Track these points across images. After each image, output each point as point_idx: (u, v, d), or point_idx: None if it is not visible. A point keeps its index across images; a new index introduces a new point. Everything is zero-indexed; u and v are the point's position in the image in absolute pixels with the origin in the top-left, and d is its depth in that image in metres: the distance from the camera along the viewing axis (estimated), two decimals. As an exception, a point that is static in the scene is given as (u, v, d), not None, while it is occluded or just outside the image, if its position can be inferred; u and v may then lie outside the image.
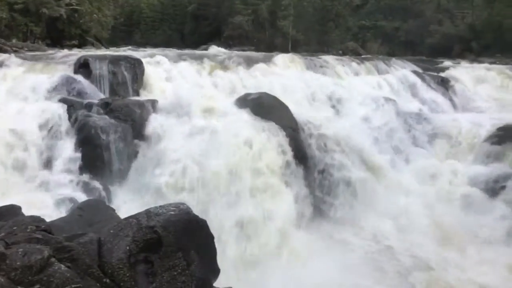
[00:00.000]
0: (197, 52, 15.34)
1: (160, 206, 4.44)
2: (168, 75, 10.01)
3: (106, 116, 7.91)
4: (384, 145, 9.90)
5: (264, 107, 8.62)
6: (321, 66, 13.30)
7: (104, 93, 9.00)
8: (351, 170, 8.50)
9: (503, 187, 8.70)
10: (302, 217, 7.74)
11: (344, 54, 18.09)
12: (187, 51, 15.19)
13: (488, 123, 10.68)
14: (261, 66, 12.17)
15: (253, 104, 8.66)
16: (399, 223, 8.13)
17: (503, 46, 19.27)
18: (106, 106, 8.17)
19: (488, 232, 8.03)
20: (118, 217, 4.97)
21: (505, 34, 19.56)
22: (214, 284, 4.57)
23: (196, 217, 4.47)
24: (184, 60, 11.15)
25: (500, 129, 10.07)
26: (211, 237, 4.57)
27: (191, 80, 10.02)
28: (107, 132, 7.51)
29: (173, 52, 13.94)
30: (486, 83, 13.87)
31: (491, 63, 16.53)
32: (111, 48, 16.71)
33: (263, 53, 14.50)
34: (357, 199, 8.39)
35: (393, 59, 15.53)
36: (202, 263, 4.15)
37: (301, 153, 8.40)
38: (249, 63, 12.16)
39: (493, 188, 8.92)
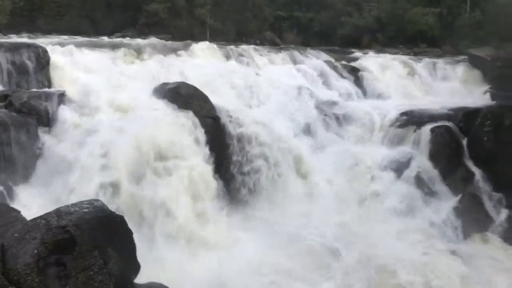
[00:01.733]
0: (110, 40, 14.56)
1: (72, 204, 4.19)
2: (77, 64, 9.35)
3: (5, 110, 7.26)
4: (300, 132, 10.32)
5: (182, 96, 8.49)
6: (240, 55, 13.40)
7: (3, 85, 8.20)
8: (269, 157, 8.76)
9: (406, 167, 9.58)
10: (222, 203, 7.81)
11: (261, 44, 18.34)
12: (98, 39, 14.34)
13: (393, 109, 11.61)
14: (179, 54, 11.93)
15: (170, 94, 8.48)
16: (314, 206, 8.62)
17: (405, 37, 21.01)
18: (4, 99, 7.50)
19: (394, 206, 8.80)
20: (23, 219, 4.63)
21: (407, 26, 21.31)
22: (135, 280, 4.45)
23: (112, 213, 4.30)
24: (95, 48, 10.52)
25: (403, 113, 10.99)
26: (129, 233, 4.44)
27: (103, 70, 9.49)
28: (6, 127, 6.88)
29: (82, 40, 13.08)
30: (391, 72, 15.00)
31: (395, 53, 17.90)
32: (10, 35, 15.15)
33: (181, 42, 14.17)
34: (276, 185, 8.68)
35: (308, 49, 16.10)
36: (121, 260, 4.03)
37: (220, 142, 8.44)
38: (166, 51, 11.84)
39: (398, 168, 9.77)
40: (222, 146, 8.47)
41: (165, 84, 8.93)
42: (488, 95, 12.54)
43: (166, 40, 15.64)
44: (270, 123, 9.44)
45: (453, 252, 7.50)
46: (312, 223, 8.12)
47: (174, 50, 12.07)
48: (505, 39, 16.42)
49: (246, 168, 8.62)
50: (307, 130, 10.53)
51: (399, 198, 9.08)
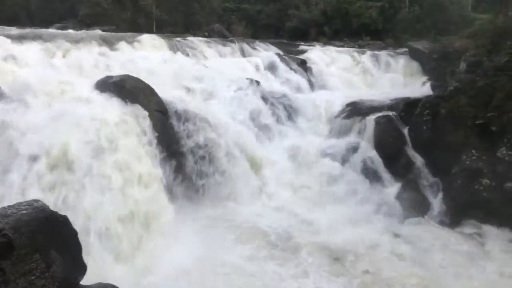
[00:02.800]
0: (48, 31, 13.77)
1: (9, 206, 3.96)
2: (10, 56, 8.76)
3: None
4: (250, 125, 10.38)
5: (128, 90, 8.21)
6: (188, 48, 13.19)
7: None
8: (219, 150, 8.74)
9: (353, 156, 9.94)
10: (172, 198, 7.70)
11: (210, 36, 18.13)
12: (34, 30, 13.52)
13: (340, 100, 11.98)
14: (123, 46, 11.54)
15: (115, 87, 8.17)
16: (266, 198, 8.76)
17: (350, 30, 21.66)
18: None
19: (342, 194, 9.14)
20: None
21: (351, 20, 21.96)
22: (81, 282, 4.29)
23: (54, 213, 4.09)
24: (32, 40, 9.90)
25: (348, 105, 11.36)
26: (73, 233, 4.25)
27: (41, 62, 8.96)
28: None
29: (17, 31, 12.27)
30: (337, 64, 15.44)
31: (341, 46, 18.43)
32: None
33: (125, 34, 13.70)
34: (226, 179, 8.70)
35: (257, 42, 16.17)
36: (65, 262, 3.87)
37: (169, 136, 8.29)
38: (110, 43, 11.41)
39: (346, 157, 10.13)
40: (171, 140, 8.31)
41: (108, 77, 8.59)
42: (426, 86, 13.23)
43: (110, 32, 15.05)
44: (219, 116, 9.41)
45: (396, 235, 7.92)
46: (264, 215, 8.28)
47: (118, 42, 11.65)
48: (441, 33, 17.45)
49: (196, 162, 8.54)
50: (257, 123, 10.60)
51: (347, 186, 9.42)
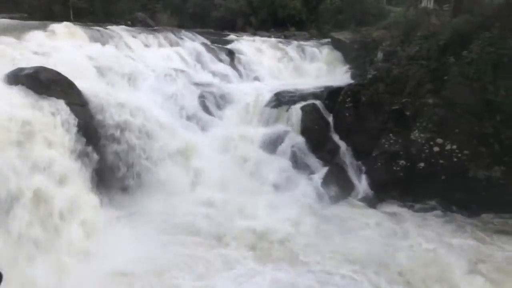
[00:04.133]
0: None
1: None
2: None
3: None
4: (178, 116, 10.19)
5: (43, 82, 7.62)
6: (109, 37, 12.53)
7: None
8: (146, 143, 8.50)
9: (280, 143, 10.19)
10: (98, 192, 7.37)
11: (133, 25, 17.37)
12: None
13: (268, 89, 12.15)
14: (36, 36, 10.66)
15: (28, 79, 7.55)
16: (198, 189, 8.72)
17: (276, 21, 21.98)
18: None
19: (272, 181, 9.34)
20: None
21: (277, 10, 22.27)
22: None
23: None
24: None
25: (276, 94, 11.57)
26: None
27: None
28: None
29: None
30: (264, 54, 15.62)
31: (267, 36, 18.64)
32: None
33: (38, 22, 12.66)
34: (155, 172, 8.50)
35: (183, 31, 15.80)
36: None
37: (90, 129, 7.86)
38: (21, 32, 10.49)
39: (275, 146, 10.34)
40: (92, 133, 7.88)
41: (20, 69, 7.91)
42: (348, 75, 13.89)
43: (19, 20, 13.82)
44: (145, 108, 9.10)
45: (322, 216, 8.31)
46: (196, 205, 8.24)
47: (31, 30, 10.75)
48: (360, 24, 18.37)
49: (121, 157, 8.21)
50: (186, 114, 10.43)
51: (277, 173, 9.63)
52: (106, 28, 13.21)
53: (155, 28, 16.53)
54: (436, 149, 9.16)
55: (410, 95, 10.02)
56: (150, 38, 13.62)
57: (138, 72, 10.74)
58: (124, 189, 8.22)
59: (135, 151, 8.39)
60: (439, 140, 9.19)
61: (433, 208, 8.82)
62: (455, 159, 8.99)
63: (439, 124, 9.28)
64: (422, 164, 9.19)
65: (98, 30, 12.56)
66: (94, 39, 11.78)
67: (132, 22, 18.44)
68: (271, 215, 8.05)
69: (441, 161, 9.07)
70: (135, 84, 10.33)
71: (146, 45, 13.24)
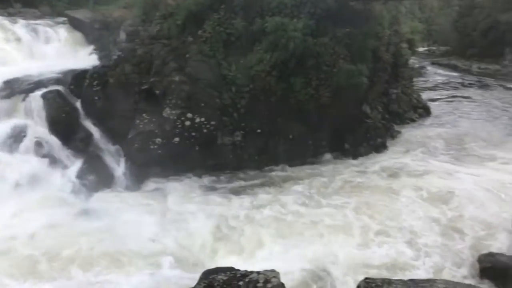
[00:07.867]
0: None
1: None
2: None
3: None
4: None
5: None
6: None
7: None
8: None
9: (21, 140, 8.84)
10: None
11: None
12: None
13: (-4, 77, 10.19)
14: None
15: None
16: None
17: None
18: None
19: (19, 182, 8.19)
20: None
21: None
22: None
23: None
24: None
25: (6, 82, 9.86)
26: None
27: None
28: None
29: None
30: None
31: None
32: None
33: None
34: None
35: None
36: None
37: None
38: None
39: (15, 143, 8.91)
40: None
41: None
42: (95, 56, 13.05)
43: None
44: None
45: (85, 212, 7.75)
46: None
47: None
48: (99, 2, 17.43)
49: None
50: None
51: (22, 173, 8.40)
52: None
53: None
54: (187, 123, 9.73)
55: (157, 74, 10.22)
56: None
57: None
58: None
59: None
60: (189, 115, 9.79)
61: (188, 178, 9.39)
62: (205, 130, 9.78)
63: (187, 100, 9.86)
64: (177, 139, 9.63)
65: None
66: None
67: None
68: (10, 223, 7.01)
69: (193, 134, 9.71)
70: None
71: None
